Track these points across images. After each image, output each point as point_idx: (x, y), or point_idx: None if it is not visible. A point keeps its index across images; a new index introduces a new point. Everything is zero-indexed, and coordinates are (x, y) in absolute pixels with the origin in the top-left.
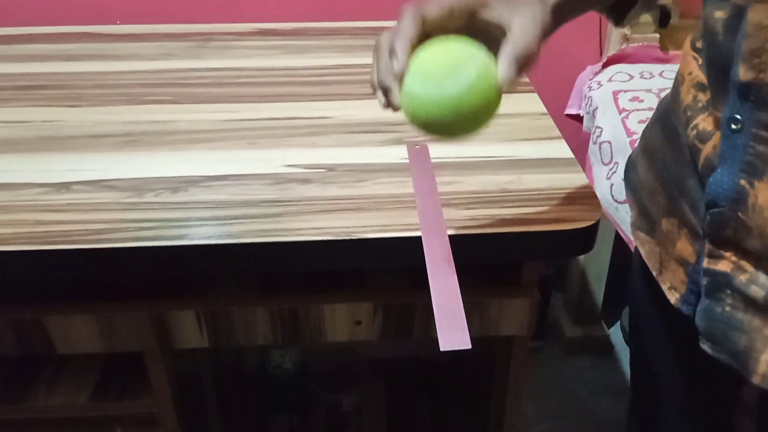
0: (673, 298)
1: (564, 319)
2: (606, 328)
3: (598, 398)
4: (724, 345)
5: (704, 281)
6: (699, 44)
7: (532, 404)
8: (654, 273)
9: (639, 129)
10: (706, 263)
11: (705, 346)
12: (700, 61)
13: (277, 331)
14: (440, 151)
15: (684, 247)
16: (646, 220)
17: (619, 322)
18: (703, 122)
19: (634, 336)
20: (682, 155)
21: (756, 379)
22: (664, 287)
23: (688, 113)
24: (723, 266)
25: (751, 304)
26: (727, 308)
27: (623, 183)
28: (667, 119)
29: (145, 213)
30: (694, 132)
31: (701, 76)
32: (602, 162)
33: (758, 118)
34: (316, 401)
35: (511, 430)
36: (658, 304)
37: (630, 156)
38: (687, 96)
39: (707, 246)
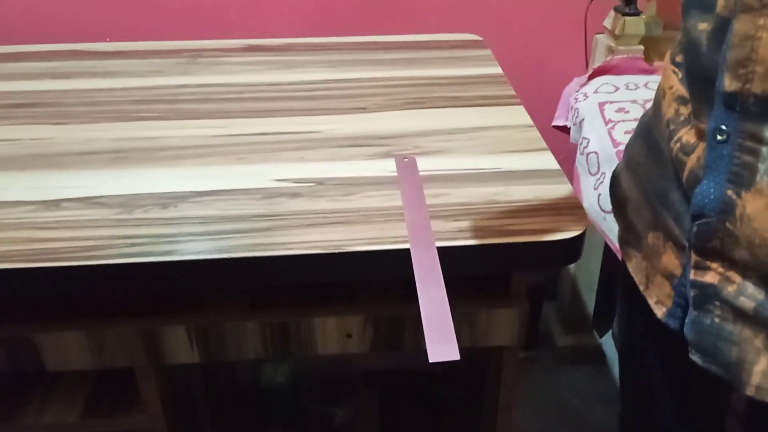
0: (659, 312)
1: (556, 328)
2: (597, 337)
3: (591, 407)
4: (715, 356)
5: (692, 293)
6: (678, 58)
7: (526, 414)
8: (641, 287)
9: (625, 139)
10: (692, 275)
11: (695, 358)
12: (680, 75)
13: (267, 345)
14: (428, 163)
15: (669, 260)
16: (632, 235)
17: (610, 330)
18: (686, 135)
19: (622, 349)
20: (665, 169)
21: (750, 391)
22: (651, 301)
23: (671, 127)
24: (710, 278)
25: (740, 315)
26: (716, 320)
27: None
28: (650, 133)
29: (134, 229)
30: (678, 145)
31: (682, 90)
32: (589, 172)
33: (743, 128)
34: (310, 414)
35: None
36: (644, 318)
37: (614, 171)
38: (669, 110)
39: (693, 258)
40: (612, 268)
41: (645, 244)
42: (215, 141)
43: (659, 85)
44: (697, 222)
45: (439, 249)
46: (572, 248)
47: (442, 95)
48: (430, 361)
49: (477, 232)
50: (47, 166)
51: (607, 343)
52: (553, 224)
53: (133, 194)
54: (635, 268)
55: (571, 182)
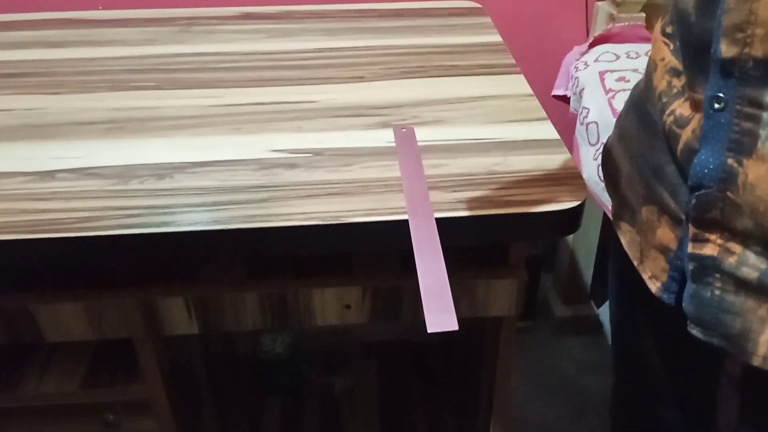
0: (653, 286)
1: (553, 299)
2: (595, 307)
3: (587, 376)
4: (716, 329)
5: (690, 266)
6: (669, 29)
7: (523, 383)
8: (635, 262)
9: None
10: (690, 248)
11: (695, 331)
12: (672, 46)
13: (266, 316)
14: (427, 133)
15: (664, 234)
16: (625, 209)
17: (608, 301)
18: (680, 107)
19: (615, 322)
20: (658, 142)
21: (756, 362)
22: (645, 276)
23: (663, 99)
24: (709, 250)
25: (743, 285)
26: (717, 292)
27: None
28: (642, 106)
29: (130, 200)
30: (671, 118)
31: (674, 61)
32: (589, 143)
33: (742, 95)
34: (309, 384)
35: (501, 409)
36: (637, 292)
37: (605, 145)
38: (661, 82)
39: (691, 230)
40: (611, 238)
41: (639, 218)
42: (211, 111)
43: (650, 57)
44: (696, 193)
45: (438, 220)
46: (571, 219)
47: (440, 64)
48: (429, 331)
49: (476, 202)
50: (41, 137)
51: (604, 313)
52: (552, 195)
53: (128, 165)
54: (629, 242)
55: (571, 152)
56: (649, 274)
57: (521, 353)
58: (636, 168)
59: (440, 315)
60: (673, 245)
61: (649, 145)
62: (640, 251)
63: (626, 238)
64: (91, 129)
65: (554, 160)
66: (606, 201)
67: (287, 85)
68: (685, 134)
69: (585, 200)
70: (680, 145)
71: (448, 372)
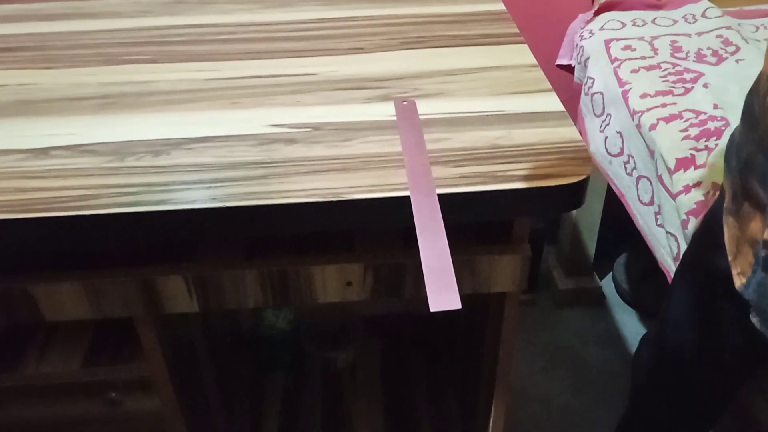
0: (738, 282)
1: (556, 271)
2: (598, 279)
3: (589, 348)
4: None
5: (763, 253)
6: None
7: (525, 356)
8: (730, 257)
9: (631, 79)
10: (766, 234)
11: (754, 320)
12: None
13: (267, 293)
14: (428, 107)
15: (756, 226)
16: (735, 205)
17: (611, 273)
18: None
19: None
20: (753, 133)
21: None
22: (735, 272)
23: (766, 83)
24: None
25: None
26: None
27: (617, 135)
28: (749, 98)
29: (127, 178)
30: None
31: None
32: (594, 114)
33: None
34: (311, 359)
35: (503, 383)
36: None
37: (731, 137)
38: (766, 67)
39: None
40: (615, 210)
41: (742, 212)
42: (207, 85)
43: None
44: None
45: (440, 196)
46: (576, 193)
47: (441, 34)
48: (431, 310)
49: (479, 178)
50: (34, 113)
51: (607, 286)
52: (556, 169)
53: (124, 141)
54: (730, 237)
55: (575, 123)
56: (739, 269)
57: (523, 326)
58: (738, 161)
59: (443, 294)
60: (759, 236)
61: (744, 137)
62: (736, 246)
63: (729, 232)
64: (85, 105)
65: (559, 133)
66: (612, 175)
67: (285, 58)
68: None
69: (589, 175)
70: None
71: (449, 346)
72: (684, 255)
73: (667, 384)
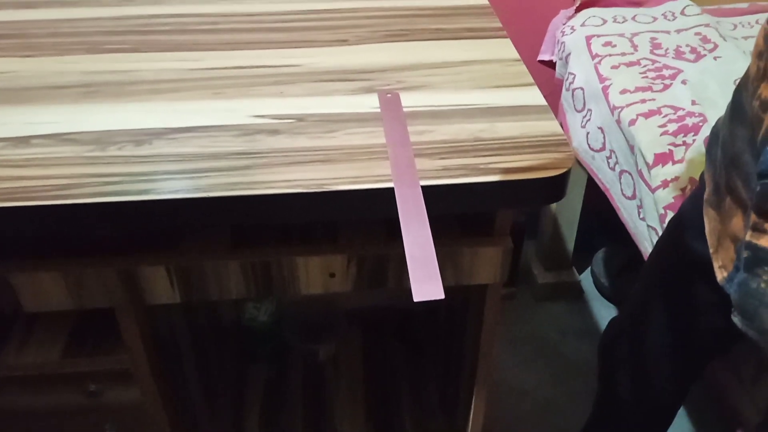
0: (720, 275)
1: (536, 265)
2: (577, 273)
3: (568, 341)
4: (753, 321)
5: (744, 254)
6: None
7: (505, 349)
8: (711, 250)
9: (612, 75)
10: (748, 236)
11: (736, 320)
12: (765, 32)
13: (250, 284)
14: (412, 99)
15: (738, 222)
16: (716, 196)
17: (590, 267)
18: (765, 90)
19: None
20: (741, 130)
21: None
22: (716, 265)
23: (754, 84)
24: (765, 242)
25: None
26: (762, 285)
27: (598, 131)
28: (738, 93)
29: (108, 167)
30: (758, 102)
31: (762, 44)
32: (575, 109)
33: None
34: (293, 352)
35: (484, 375)
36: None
37: (713, 129)
38: (753, 67)
39: (752, 218)
40: (595, 205)
41: (723, 206)
42: (190, 75)
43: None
44: (761, 181)
45: (424, 188)
46: (558, 186)
47: (425, 27)
48: (415, 300)
49: (461, 170)
50: (14, 101)
51: (586, 280)
52: (538, 161)
53: (106, 130)
54: (711, 230)
55: (557, 119)
56: (720, 263)
57: (503, 319)
58: (722, 155)
59: (426, 284)
60: (742, 234)
61: (731, 133)
62: (717, 239)
63: (710, 225)
64: (66, 93)
65: (541, 126)
66: (596, 170)
67: (269, 48)
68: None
69: (571, 168)
70: (762, 131)
71: (431, 338)
72: (659, 240)
73: (634, 364)
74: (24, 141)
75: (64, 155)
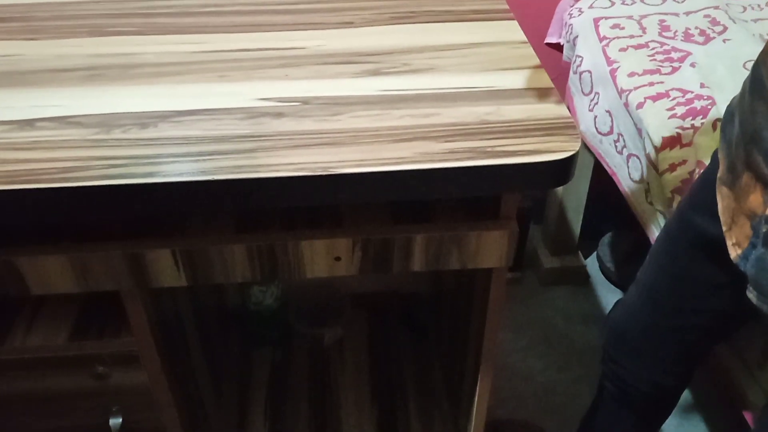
0: (734, 253)
1: (542, 250)
2: (582, 258)
3: (573, 326)
4: (767, 296)
5: (764, 228)
6: None
7: (510, 333)
8: (724, 228)
9: (620, 57)
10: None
11: (751, 296)
12: None
13: (255, 268)
14: (418, 82)
15: (756, 199)
16: (731, 174)
17: (595, 252)
18: None
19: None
20: (761, 106)
21: None
22: (729, 242)
23: None
24: None
25: None
26: None
27: (606, 114)
28: (757, 69)
29: (113, 150)
30: None
31: None
32: (583, 92)
33: None
34: (298, 336)
35: (488, 359)
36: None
37: (728, 107)
38: None
39: None
40: (601, 189)
41: (739, 184)
42: (195, 57)
43: None
44: None
45: (429, 170)
46: (564, 169)
47: (431, 9)
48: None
49: (468, 153)
50: (19, 84)
51: (592, 265)
52: (545, 144)
53: (110, 113)
54: (724, 208)
55: (564, 102)
56: (734, 240)
57: (509, 304)
58: (741, 131)
59: None
60: (760, 210)
61: (751, 108)
62: (731, 217)
63: (723, 203)
64: (70, 76)
65: (548, 109)
66: (603, 153)
67: (273, 31)
68: None
69: (578, 151)
70: None
71: (436, 323)
72: (667, 222)
73: (639, 347)
74: (29, 124)
75: (69, 138)
